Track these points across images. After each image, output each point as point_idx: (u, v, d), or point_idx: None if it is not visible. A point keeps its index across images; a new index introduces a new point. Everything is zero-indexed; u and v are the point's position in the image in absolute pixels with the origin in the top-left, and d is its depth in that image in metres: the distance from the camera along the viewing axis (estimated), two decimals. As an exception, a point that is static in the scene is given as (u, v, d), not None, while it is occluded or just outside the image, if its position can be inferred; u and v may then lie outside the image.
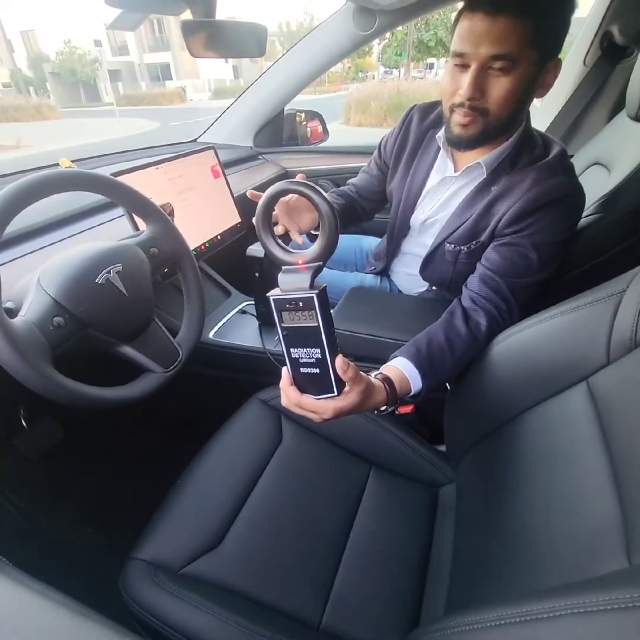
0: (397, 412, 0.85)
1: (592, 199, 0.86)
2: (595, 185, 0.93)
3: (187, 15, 0.93)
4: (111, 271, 0.62)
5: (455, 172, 0.83)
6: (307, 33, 1.37)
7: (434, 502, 0.74)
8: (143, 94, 26.72)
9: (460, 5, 0.67)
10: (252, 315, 1.00)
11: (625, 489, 0.41)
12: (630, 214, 0.81)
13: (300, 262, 0.45)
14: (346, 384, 0.51)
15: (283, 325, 0.47)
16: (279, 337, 0.48)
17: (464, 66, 0.67)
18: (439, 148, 0.85)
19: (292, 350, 0.49)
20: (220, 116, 1.60)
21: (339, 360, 0.48)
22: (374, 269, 1.11)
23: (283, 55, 1.44)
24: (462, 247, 0.82)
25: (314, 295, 0.44)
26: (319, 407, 0.52)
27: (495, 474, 0.59)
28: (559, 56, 0.68)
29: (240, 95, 1.55)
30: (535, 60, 0.65)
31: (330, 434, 0.80)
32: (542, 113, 1.43)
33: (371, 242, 1.28)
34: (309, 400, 0.52)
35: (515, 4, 0.61)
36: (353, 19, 1.25)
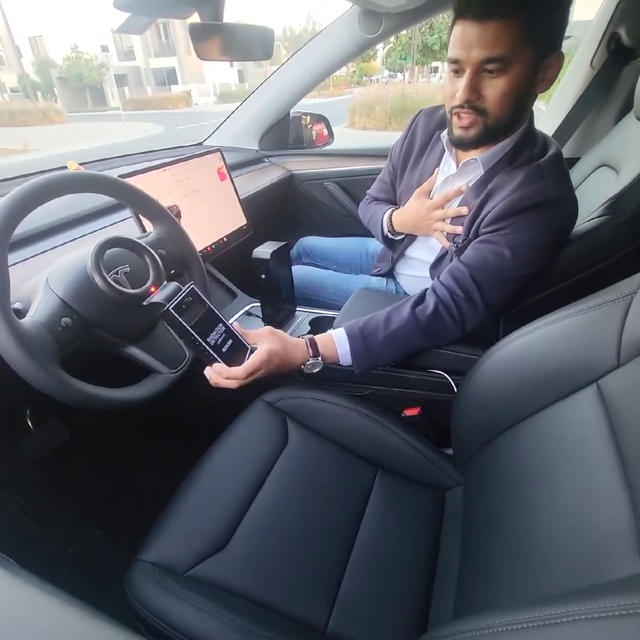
0: (403, 415, 0.85)
1: (600, 201, 0.85)
2: (603, 188, 0.92)
3: (194, 18, 0.94)
4: (119, 272, 0.63)
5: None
6: (311, 37, 1.38)
7: (441, 505, 0.73)
8: (149, 98, 26.90)
9: None
10: (258, 317, 1.00)
11: (637, 492, 0.40)
12: (638, 215, 0.80)
13: (152, 290, 0.59)
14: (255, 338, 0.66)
15: (190, 324, 0.56)
16: (197, 340, 0.58)
17: (460, 71, 0.68)
18: (445, 149, 0.85)
19: (208, 339, 0.58)
20: (226, 119, 1.61)
21: (236, 323, 0.64)
22: (379, 270, 1.11)
23: (289, 58, 1.44)
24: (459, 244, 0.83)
25: (191, 284, 0.57)
26: (244, 369, 0.61)
27: (503, 477, 0.59)
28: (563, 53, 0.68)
29: (246, 99, 1.56)
30: (533, 56, 0.65)
31: (336, 436, 0.79)
32: (549, 116, 1.42)
33: (377, 245, 1.28)
34: (226, 368, 0.61)
35: (502, 7, 0.60)
36: (358, 22, 1.25)
